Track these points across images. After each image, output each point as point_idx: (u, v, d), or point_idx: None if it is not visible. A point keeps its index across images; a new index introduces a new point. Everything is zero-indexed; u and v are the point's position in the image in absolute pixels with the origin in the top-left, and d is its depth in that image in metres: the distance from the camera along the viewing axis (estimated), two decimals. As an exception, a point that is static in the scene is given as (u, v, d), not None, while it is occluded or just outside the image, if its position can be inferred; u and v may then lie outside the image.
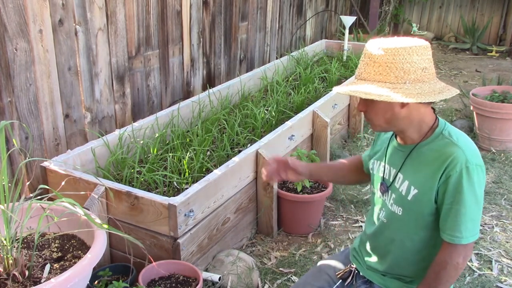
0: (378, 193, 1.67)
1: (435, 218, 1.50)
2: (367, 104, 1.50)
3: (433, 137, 1.50)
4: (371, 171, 1.72)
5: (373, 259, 1.71)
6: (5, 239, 1.44)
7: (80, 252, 1.62)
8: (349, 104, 3.97)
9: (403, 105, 1.45)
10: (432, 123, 1.52)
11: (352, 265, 1.78)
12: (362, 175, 1.86)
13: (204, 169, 2.56)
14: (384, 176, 1.64)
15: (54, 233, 1.70)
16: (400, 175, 1.57)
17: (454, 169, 1.41)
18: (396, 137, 1.61)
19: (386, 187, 1.62)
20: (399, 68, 1.40)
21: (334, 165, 1.94)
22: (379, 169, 1.67)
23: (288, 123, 2.93)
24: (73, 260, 1.58)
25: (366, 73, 1.45)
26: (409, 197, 1.52)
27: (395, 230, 1.59)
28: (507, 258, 2.60)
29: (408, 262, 1.60)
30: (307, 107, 3.28)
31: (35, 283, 1.45)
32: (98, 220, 1.60)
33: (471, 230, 1.43)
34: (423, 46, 1.43)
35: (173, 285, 2.03)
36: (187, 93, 3.62)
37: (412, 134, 1.53)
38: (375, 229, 1.69)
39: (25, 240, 1.66)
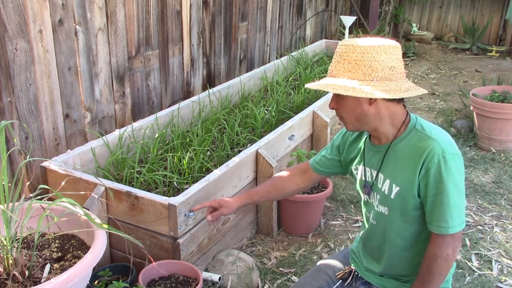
0: (364, 197, 1.69)
1: (421, 212, 1.52)
2: (337, 102, 1.53)
3: (406, 132, 1.53)
4: (353, 177, 1.75)
5: (369, 260, 1.72)
6: (5, 239, 1.44)
7: (80, 252, 1.62)
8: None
9: (371, 102, 1.48)
10: (403, 118, 1.54)
11: (351, 266, 1.79)
12: (305, 180, 1.89)
13: (204, 169, 2.56)
14: (366, 179, 1.65)
15: (54, 233, 1.70)
16: (380, 175, 1.58)
17: (432, 161, 1.43)
18: (370, 138, 1.63)
19: (369, 188, 1.64)
20: (367, 65, 1.43)
21: (268, 184, 1.95)
22: (360, 173, 1.68)
23: (288, 123, 2.93)
24: (73, 260, 1.58)
25: (336, 70, 1.49)
26: (392, 195, 1.54)
27: (385, 229, 1.61)
28: (507, 258, 2.60)
29: (402, 260, 1.61)
30: (307, 107, 3.28)
31: (35, 283, 1.45)
32: (98, 220, 1.60)
33: (457, 218, 1.45)
34: (392, 46, 1.47)
35: (173, 285, 2.03)
36: (187, 93, 3.62)
37: (385, 131, 1.54)
38: (366, 232, 1.71)
39: (25, 240, 1.66)
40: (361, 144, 1.68)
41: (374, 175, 1.61)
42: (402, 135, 1.53)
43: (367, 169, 1.64)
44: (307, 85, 1.54)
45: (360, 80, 1.44)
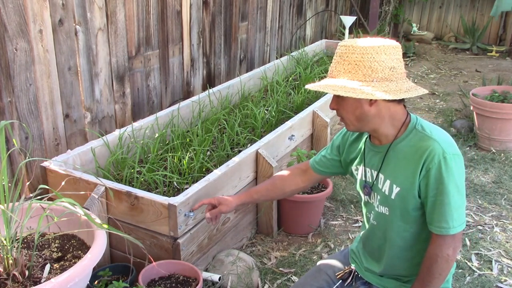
0: (364, 197, 1.69)
1: (422, 212, 1.52)
2: (338, 102, 1.53)
3: (407, 132, 1.53)
4: (354, 177, 1.75)
5: (370, 261, 1.72)
6: (5, 239, 1.44)
7: (80, 252, 1.62)
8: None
9: (371, 103, 1.48)
10: (404, 119, 1.54)
11: (351, 266, 1.79)
12: (306, 180, 1.89)
13: (204, 169, 2.56)
14: (366, 179, 1.65)
15: (54, 233, 1.70)
16: (381, 176, 1.58)
17: (432, 162, 1.44)
18: (370, 139, 1.63)
19: (370, 188, 1.64)
20: (367, 66, 1.43)
21: (268, 183, 1.96)
22: (360, 173, 1.69)
23: (288, 123, 2.93)
24: (73, 260, 1.58)
25: (337, 70, 1.49)
26: (393, 196, 1.54)
27: (385, 230, 1.61)
28: (507, 258, 2.60)
29: (402, 260, 1.61)
30: (307, 107, 3.28)
31: (35, 283, 1.45)
32: (98, 220, 1.60)
33: (457, 219, 1.45)
34: (392, 46, 1.47)
35: (173, 285, 2.03)
36: (187, 93, 3.62)
37: (386, 132, 1.54)
38: (367, 232, 1.71)
39: (25, 240, 1.66)
40: (361, 144, 1.68)
41: (375, 175, 1.61)
42: (402, 135, 1.53)
43: (367, 169, 1.64)
44: (307, 86, 1.54)
45: (360, 81, 1.44)
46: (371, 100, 1.46)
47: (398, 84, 1.45)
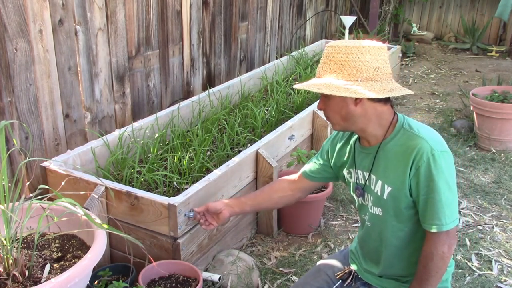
0: (358, 200, 1.70)
1: (415, 211, 1.53)
2: (325, 102, 1.55)
3: (395, 132, 1.54)
4: (346, 181, 1.75)
5: (368, 262, 1.73)
6: (5, 239, 1.44)
7: (80, 252, 1.62)
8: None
9: (356, 102, 1.49)
10: (391, 118, 1.55)
11: (351, 266, 1.79)
12: (296, 188, 1.89)
13: (204, 169, 2.56)
14: (359, 182, 1.65)
15: (54, 233, 1.70)
16: (372, 177, 1.59)
17: (421, 160, 1.44)
18: (360, 141, 1.63)
19: (361, 190, 1.64)
20: (352, 66, 1.45)
21: (259, 190, 1.97)
22: (353, 176, 1.69)
23: (288, 123, 2.93)
24: (73, 260, 1.59)
25: (323, 70, 1.51)
26: (385, 196, 1.54)
27: (380, 231, 1.61)
28: (507, 258, 2.60)
29: (400, 260, 1.62)
30: (307, 107, 3.28)
31: (35, 283, 1.45)
32: (98, 220, 1.60)
33: (450, 216, 1.45)
34: (377, 47, 1.48)
35: (173, 285, 2.03)
36: (187, 93, 3.62)
37: (374, 132, 1.55)
38: (363, 234, 1.72)
39: (25, 240, 1.66)
40: (351, 147, 1.68)
41: (366, 176, 1.61)
42: (391, 135, 1.54)
43: (359, 171, 1.65)
44: (295, 86, 1.56)
45: (345, 80, 1.45)
46: (356, 99, 1.48)
47: (383, 84, 1.46)
